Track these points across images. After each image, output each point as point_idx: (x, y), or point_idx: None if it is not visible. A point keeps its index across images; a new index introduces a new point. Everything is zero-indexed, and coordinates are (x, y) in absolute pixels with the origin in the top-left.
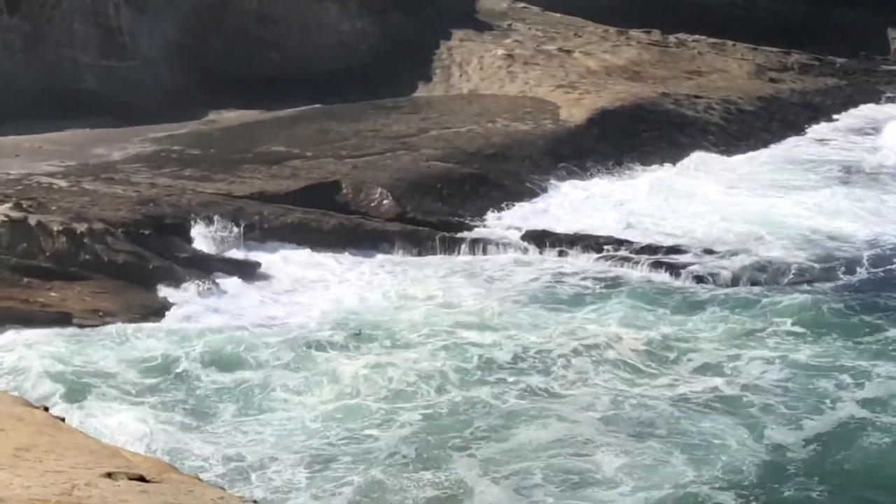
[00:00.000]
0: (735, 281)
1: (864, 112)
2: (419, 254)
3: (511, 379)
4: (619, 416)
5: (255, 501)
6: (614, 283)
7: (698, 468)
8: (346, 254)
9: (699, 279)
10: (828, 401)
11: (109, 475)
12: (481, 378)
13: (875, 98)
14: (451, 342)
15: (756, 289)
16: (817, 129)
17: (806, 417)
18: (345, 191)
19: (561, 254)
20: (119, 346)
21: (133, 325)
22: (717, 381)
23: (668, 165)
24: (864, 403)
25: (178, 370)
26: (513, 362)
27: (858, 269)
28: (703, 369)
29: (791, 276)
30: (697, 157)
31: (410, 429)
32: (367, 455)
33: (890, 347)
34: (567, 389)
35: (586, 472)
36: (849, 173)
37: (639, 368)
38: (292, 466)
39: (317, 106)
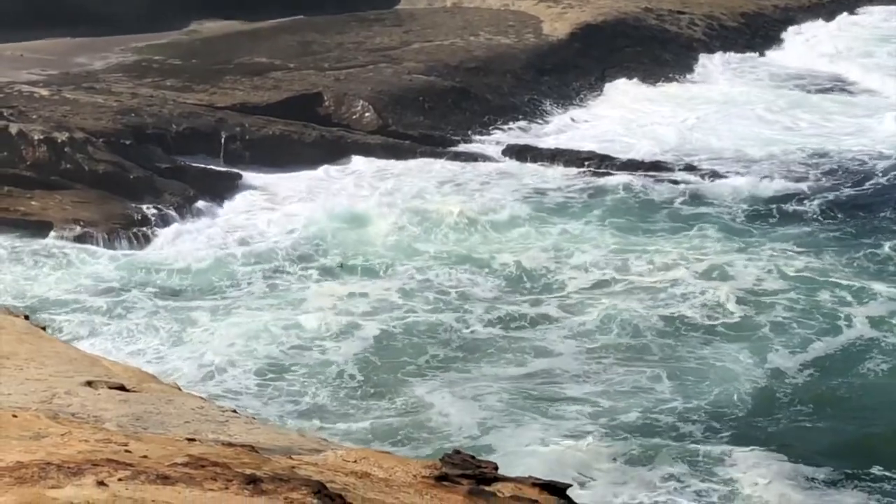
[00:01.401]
0: (720, 197)
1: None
2: (401, 167)
3: (492, 295)
4: (607, 338)
5: (233, 410)
6: (598, 198)
7: (686, 395)
8: (327, 166)
9: (683, 195)
10: (823, 317)
11: (90, 384)
12: (460, 299)
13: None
14: (431, 256)
15: (744, 205)
16: (802, 45)
17: (812, 337)
18: (326, 103)
19: (543, 167)
20: (86, 262)
21: (103, 239)
22: (714, 301)
23: (650, 82)
24: (868, 320)
25: (150, 286)
26: (496, 279)
27: (850, 186)
28: (697, 288)
29: (780, 194)
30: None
31: (377, 342)
32: (324, 368)
33: (886, 265)
34: (554, 311)
35: (558, 394)
36: (835, 91)
37: (630, 287)
38: (245, 372)
39: (299, 17)
